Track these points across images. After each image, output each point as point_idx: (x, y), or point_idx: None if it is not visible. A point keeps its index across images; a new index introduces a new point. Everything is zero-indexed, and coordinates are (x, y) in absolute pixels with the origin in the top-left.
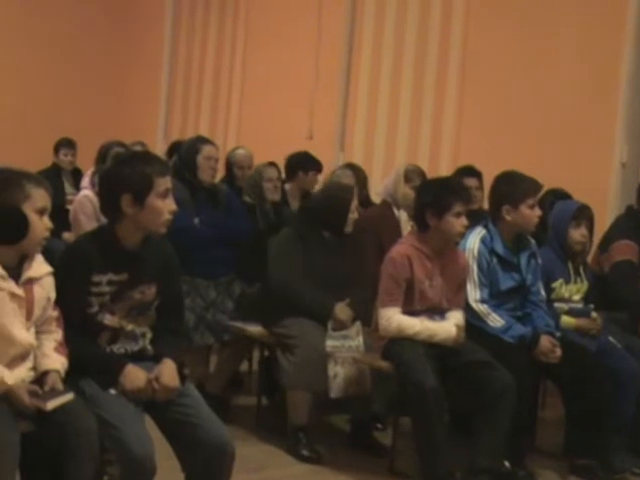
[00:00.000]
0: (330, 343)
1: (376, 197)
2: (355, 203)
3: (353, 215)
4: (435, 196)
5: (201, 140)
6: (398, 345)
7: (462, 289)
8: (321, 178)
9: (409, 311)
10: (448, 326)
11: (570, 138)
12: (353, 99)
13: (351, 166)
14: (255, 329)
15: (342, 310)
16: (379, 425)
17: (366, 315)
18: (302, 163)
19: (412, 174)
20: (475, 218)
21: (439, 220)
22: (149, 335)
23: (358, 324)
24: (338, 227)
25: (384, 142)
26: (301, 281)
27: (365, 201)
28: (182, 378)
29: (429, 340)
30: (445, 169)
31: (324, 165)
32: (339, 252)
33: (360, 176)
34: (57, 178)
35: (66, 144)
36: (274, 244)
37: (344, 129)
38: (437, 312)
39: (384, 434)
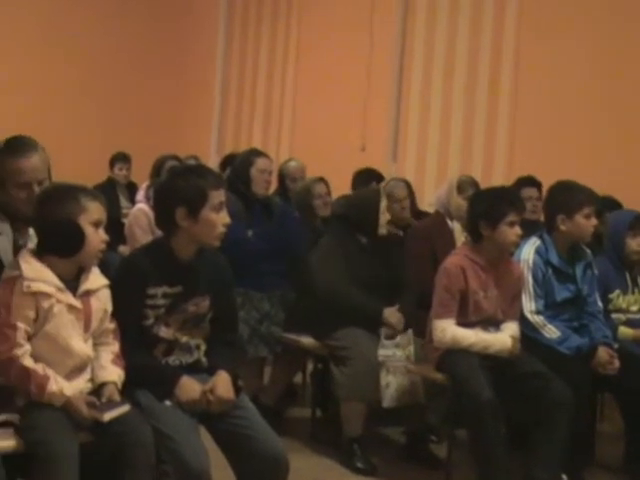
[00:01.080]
0: (382, 352)
1: (429, 208)
2: (384, 204)
3: (384, 216)
4: (488, 206)
5: (255, 153)
6: (453, 356)
7: (517, 300)
8: None
9: (464, 322)
10: (503, 337)
11: (625, 146)
12: (405, 110)
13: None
14: (308, 341)
15: (392, 314)
16: (434, 437)
17: (413, 320)
18: (363, 178)
19: (465, 185)
20: (533, 229)
21: (493, 230)
22: (203, 347)
23: (410, 332)
24: (371, 229)
25: (436, 153)
26: (348, 287)
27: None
28: (236, 390)
29: (484, 352)
30: (499, 179)
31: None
32: (379, 257)
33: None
34: (112, 192)
35: (121, 158)
36: (315, 256)
37: (396, 140)
38: (492, 323)
39: (439, 446)
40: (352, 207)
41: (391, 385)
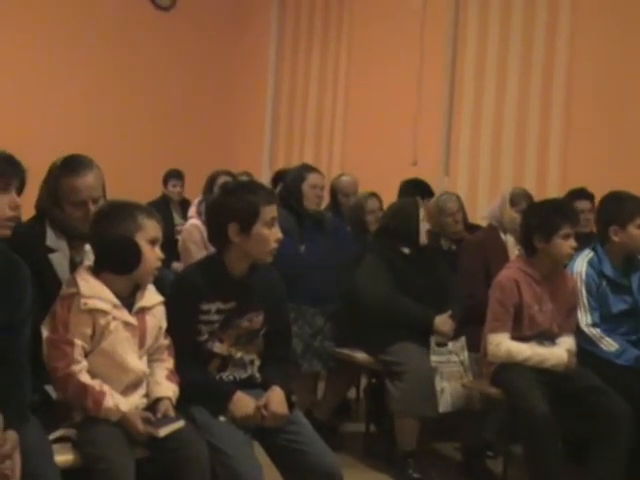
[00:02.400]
0: (435, 358)
1: (482, 221)
2: (423, 213)
3: (424, 225)
4: (542, 218)
5: (307, 168)
6: (508, 371)
7: (572, 313)
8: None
9: (518, 336)
10: (559, 352)
11: None
12: (457, 123)
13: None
14: (362, 356)
15: (443, 322)
16: (490, 452)
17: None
18: (410, 189)
19: (518, 197)
20: (586, 242)
21: (547, 243)
22: (257, 362)
23: (463, 339)
24: (412, 240)
25: (489, 166)
26: (397, 296)
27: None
28: (290, 405)
29: (539, 366)
30: (552, 192)
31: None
32: (424, 268)
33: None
34: (166, 209)
35: (175, 175)
36: (362, 270)
37: (448, 154)
38: (547, 337)
39: (495, 462)
40: (391, 218)
41: (446, 390)
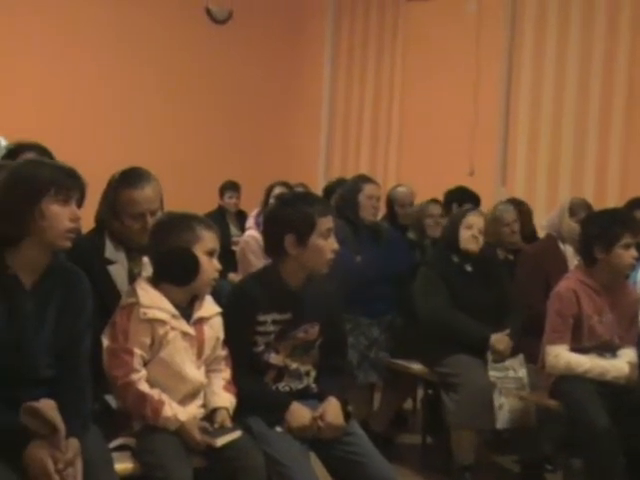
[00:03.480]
0: (493, 373)
1: (540, 231)
2: (471, 220)
3: (466, 232)
4: (602, 228)
5: (363, 179)
6: (567, 383)
7: (634, 325)
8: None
9: (578, 348)
10: (620, 364)
11: None
12: (513, 133)
13: (513, 201)
14: (418, 367)
15: (500, 341)
16: (549, 466)
17: (522, 345)
18: (456, 197)
19: (577, 207)
20: None
21: (607, 253)
22: (313, 373)
23: (521, 357)
24: (456, 246)
25: (546, 175)
26: (452, 312)
27: (530, 236)
28: (346, 416)
29: (600, 378)
30: (612, 201)
31: (485, 201)
32: (481, 281)
33: (524, 210)
34: (222, 220)
35: (231, 187)
36: (417, 282)
37: (505, 164)
38: (608, 349)
39: (555, 475)
40: (444, 228)
41: (504, 407)
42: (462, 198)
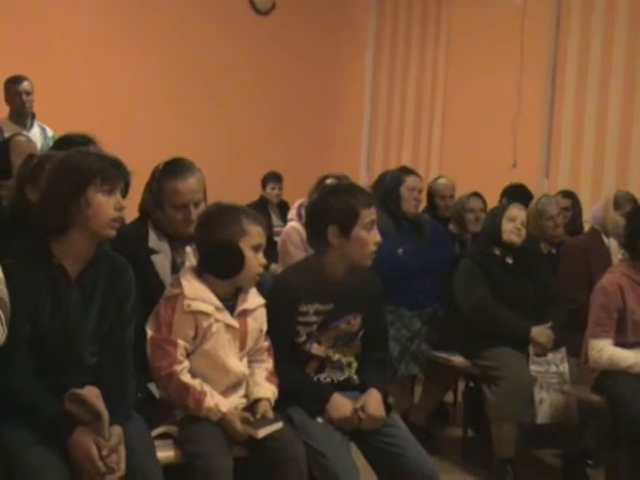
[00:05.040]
0: (534, 368)
1: (584, 225)
2: (513, 213)
3: (508, 225)
4: None
5: (404, 171)
6: (610, 378)
7: None
8: None
9: (622, 343)
10: None
11: None
12: (557, 125)
13: (566, 193)
14: (459, 360)
15: (541, 333)
16: (591, 461)
17: (565, 337)
18: (508, 193)
19: (622, 200)
20: None
21: None
22: (355, 365)
23: (563, 350)
24: (497, 239)
25: (591, 168)
26: (493, 305)
27: (578, 229)
28: (387, 408)
29: None
30: None
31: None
32: (523, 274)
33: (577, 202)
34: (264, 211)
35: (273, 178)
36: (457, 277)
37: (549, 156)
38: None
39: (597, 471)
40: (484, 221)
41: (545, 401)
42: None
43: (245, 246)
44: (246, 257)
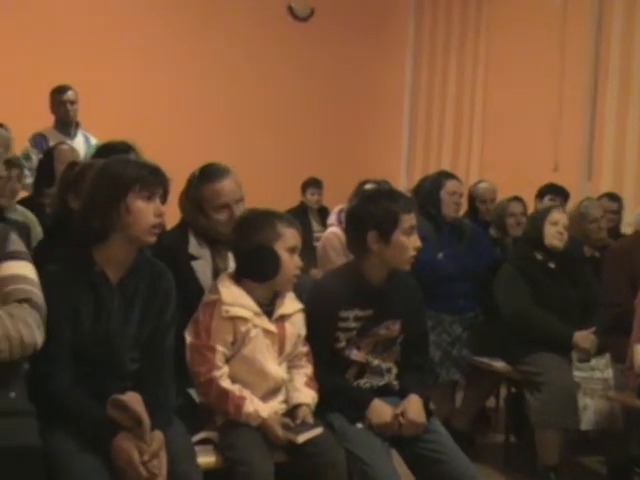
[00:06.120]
0: (577, 374)
1: (627, 228)
2: (556, 217)
3: (551, 229)
4: None
5: (445, 175)
6: None
7: None
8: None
9: None
10: None
11: None
12: (600, 127)
13: (610, 196)
14: (501, 365)
15: (584, 338)
16: (637, 468)
17: (609, 343)
18: (542, 191)
19: None
20: None
21: None
22: (395, 370)
23: (607, 356)
24: (539, 243)
25: (635, 170)
26: (535, 310)
27: (615, 232)
28: (428, 414)
29: None
30: None
31: (570, 197)
32: (565, 278)
33: (621, 205)
34: (304, 216)
35: (313, 183)
36: (498, 281)
37: (591, 159)
38: None
39: None
40: (526, 225)
41: (589, 408)
42: (554, 192)
43: (280, 249)
44: (282, 259)
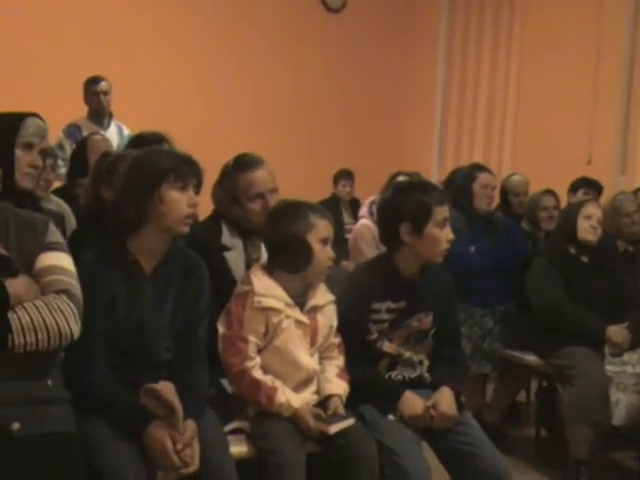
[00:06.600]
0: (610, 368)
1: None
2: (590, 210)
3: (584, 222)
4: None
5: (477, 168)
6: None
7: None
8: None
9: None
10: None
11: None
12: (635, 121)
13: None
14: (532, 358)
15: (617, 333)
16: None
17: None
18: (575, 185)
19: None
20: None
21: None
22: (426, 363)
23: None
24: (572, 237)
25: None
26: (567, 304)
27: None
28: (459, 406)
29: None
30: None
31: (604, 191)
32: (598, 272)
33: None
34: (336, 208)
35: (345, 175)
36: (530, 275)
37: (625, 152)
38: None
39: None
40: (559, 218)
41: (621, 402)
42: (587, 186)
43: (313, 239)
44: (314, 250)
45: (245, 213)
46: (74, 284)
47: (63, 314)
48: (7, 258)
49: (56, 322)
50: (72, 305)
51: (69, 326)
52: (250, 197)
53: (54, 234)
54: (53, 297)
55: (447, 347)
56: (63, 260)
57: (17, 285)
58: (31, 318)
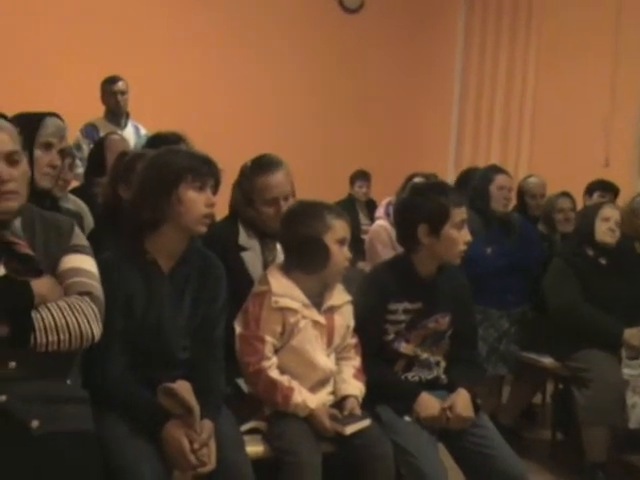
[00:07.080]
0: (627, 371)
1: None
2: (607, 212)
3: (602, 225)
4: None
5: (494, 169)
6: None
7: None
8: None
9: None
10: None
11: None
12: None
13: None
14: (548, 360)
15: (634, 336)
16: None
17: None
18: (591, 187)
19: None
20: None
21: None
22: (443, 364)
23: None
24: (590, 239)
25: None
26: (583, 306)
27: None
28: (476, 408)
29: None
30: None
31: (621, 193)
32: (616, 274)
33: None
34: (352, 209)
35: (361, 176)
36: (547, 277)
37: None
38: None
39: None
40: (576, 220)
41: (637, 406)
42: (603, 189)
43: (330, 240)
44: (331, 251)
45: (259, 215)
46: (97, 286)
47: (85, 316)
48: (32, 258)
49: (78, 323)
50: (94, 307)
51: (90, 328)
52: (265, 201)
53: (79, 237)
54: (76, 298)
55: (464, 348)
56: (87, 263)
57: (41, 285)
58: (54, 318)
